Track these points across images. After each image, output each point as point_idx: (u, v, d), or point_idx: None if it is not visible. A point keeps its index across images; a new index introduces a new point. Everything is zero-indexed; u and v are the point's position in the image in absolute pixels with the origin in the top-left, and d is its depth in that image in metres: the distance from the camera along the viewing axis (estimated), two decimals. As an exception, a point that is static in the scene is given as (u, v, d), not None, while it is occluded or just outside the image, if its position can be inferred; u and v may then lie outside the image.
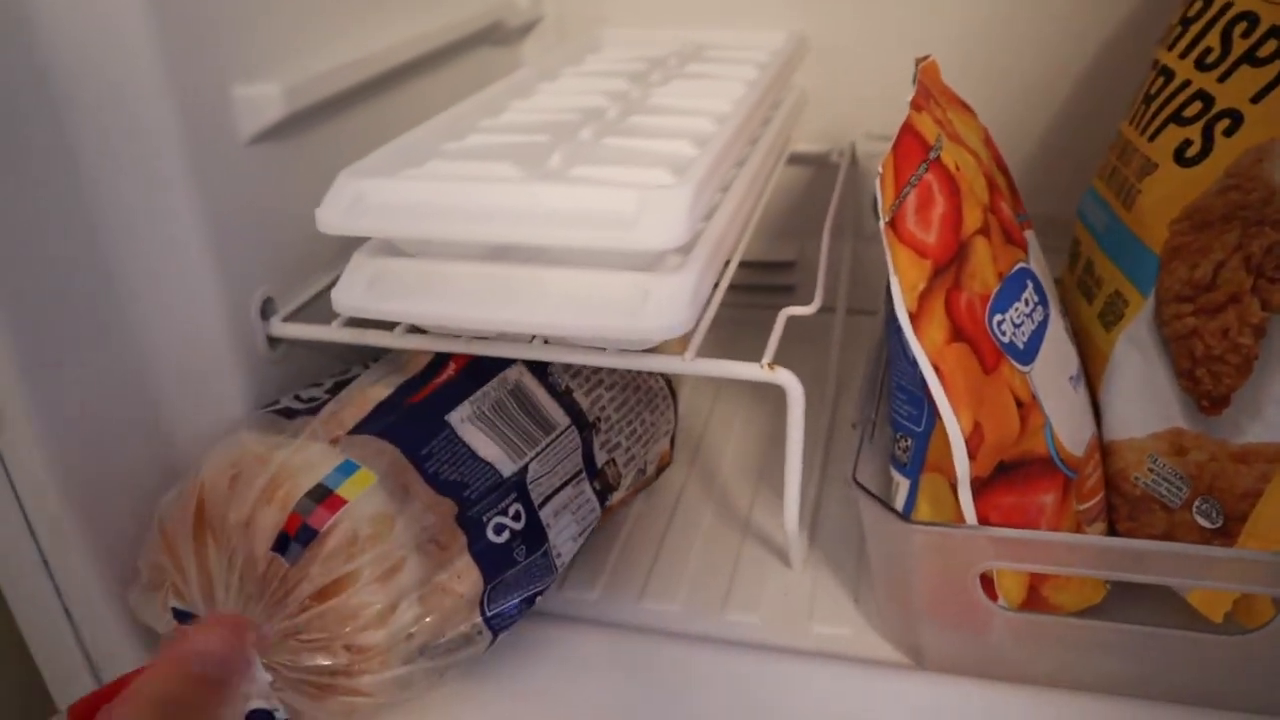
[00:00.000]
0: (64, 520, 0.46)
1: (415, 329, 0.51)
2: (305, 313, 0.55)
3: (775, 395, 0.72)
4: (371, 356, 0.55)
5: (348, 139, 0.57)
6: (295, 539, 0.40)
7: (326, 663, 0.40)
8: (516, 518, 0.46)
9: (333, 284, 0.53)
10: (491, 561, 0.45)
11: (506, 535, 0.45)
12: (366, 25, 0.59)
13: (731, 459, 0.67)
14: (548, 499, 0.48)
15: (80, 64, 0.44)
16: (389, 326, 0.51)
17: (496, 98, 0.59)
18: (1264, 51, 0.50)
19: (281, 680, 0.40)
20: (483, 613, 0.44)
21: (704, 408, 0.73)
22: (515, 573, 0.45)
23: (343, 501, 0.41)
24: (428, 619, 0.42)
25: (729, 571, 0.57)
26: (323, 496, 0.41)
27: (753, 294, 0.78)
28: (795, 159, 0.75)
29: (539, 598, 0.47)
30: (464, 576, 0.43)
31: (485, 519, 0.45)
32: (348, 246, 0.53)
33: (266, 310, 0.53)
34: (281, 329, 0.53)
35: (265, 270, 0.53)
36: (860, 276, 0.75)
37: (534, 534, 0.47)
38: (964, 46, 0.71)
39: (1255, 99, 0.49)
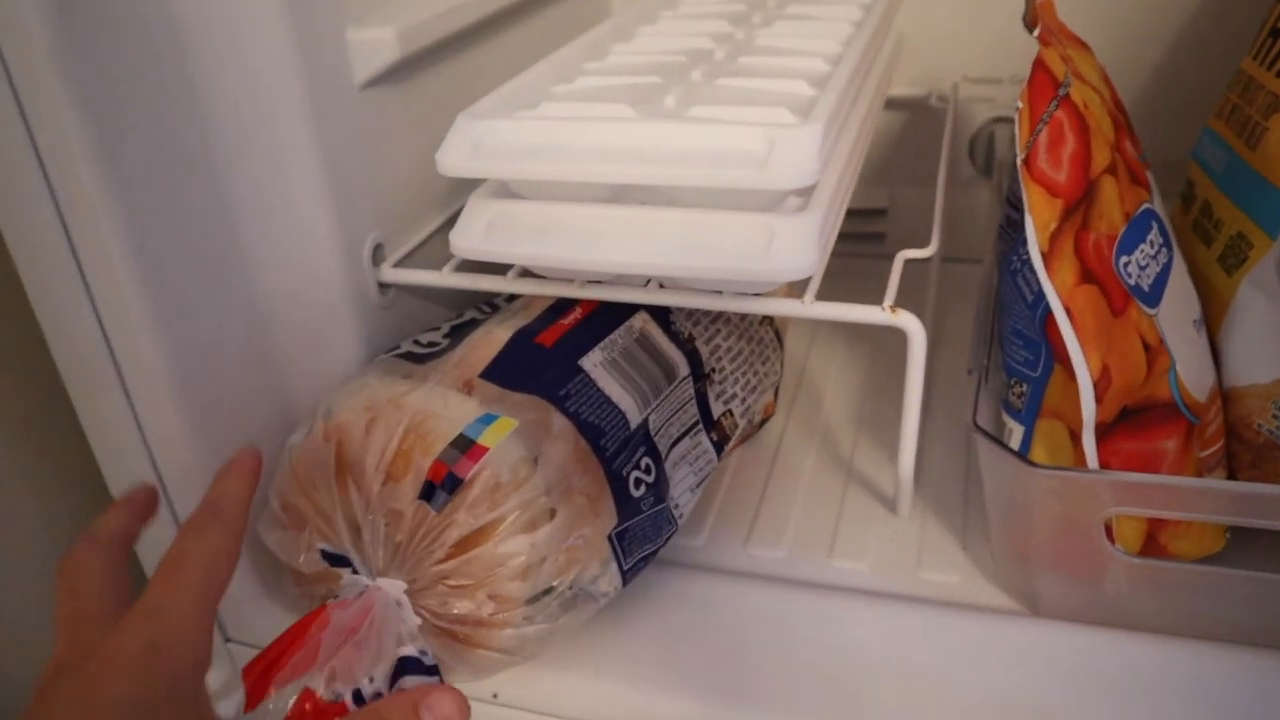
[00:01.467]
0: (193, 469, 0.47)
1: (527, 273, 0.51)
2: (413, 259, 0.55)
3: (872, 341, 0.72)
4: (479, 302, 0.56)
5: (454, 85, 0.57)
6: (441, 487, 0.40)
7: (471, 610, 0.40)
8: (647, 470, 0.46)
9: (440, 230, 0.54)
10: (628, 514, 0.45)
11: (643, 489, 0.46)
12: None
13: (830, 406, 0.67)
14: (670, 449, 0.48)
15: (202, 8, 0.44)
16: (500, 271, 0.51)
17: (598, 41, 0.58)
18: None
19: (427, 626, 0.41)
20: (619, 566, 0.44)
21: (800, 354, 0.72)
22: (645, 526, 0.46)
23: (484, 450, 0.41)
24: (568, 572, 0.42)
25: (833, 518, 0.57)
26: (466, 445, 0.41)
27: (845, 241, 0.77)
28: (891, 103, 0.73)
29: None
30: (603, 528, 0.43)
31: (625, 472, 0.45)
32: (454, 193, 0.53)
33: (377, 256, 0.53)
34: (393, 274, 0.53)
35: (376, 216, 0.53)
36: (954, 223, 0.74)
37: (661, 486, 0.48)
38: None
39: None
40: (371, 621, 0.39)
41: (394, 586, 0.41)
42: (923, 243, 0.53)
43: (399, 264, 0.54)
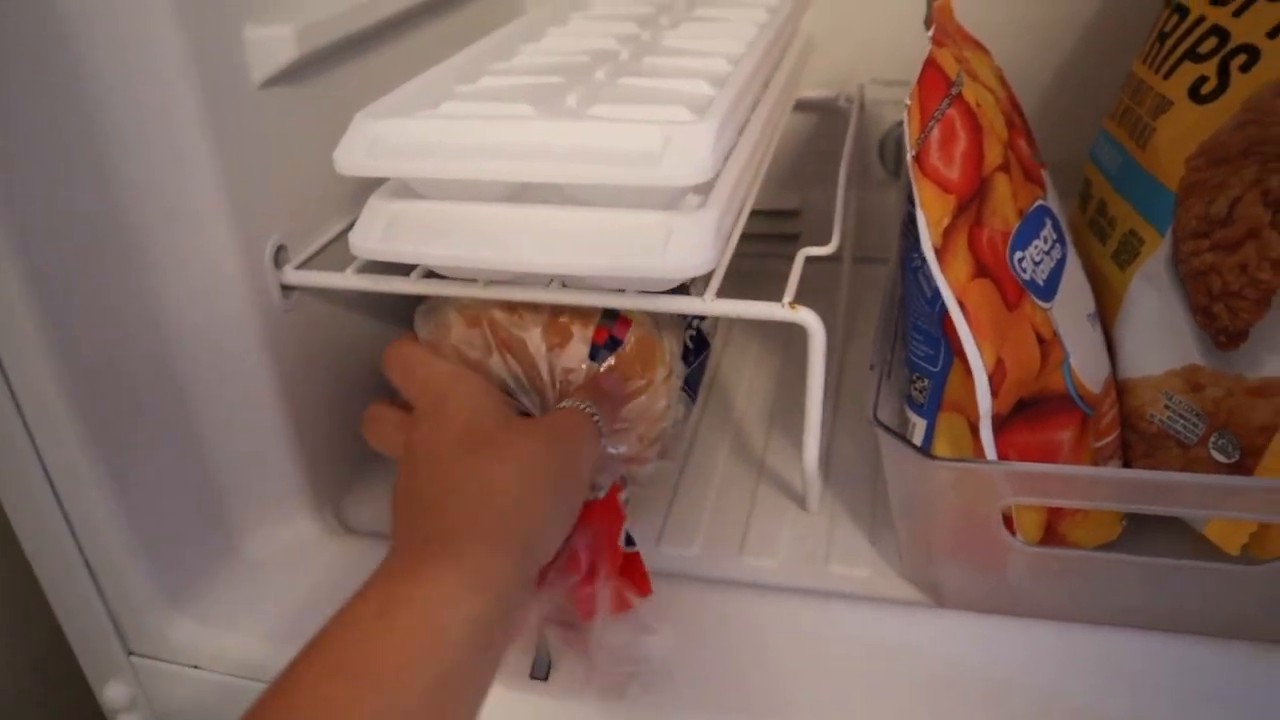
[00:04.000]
0: (81, 467, 0.46)
1: (431, 274, 0.51)
2: (317, 261, 0.55)
3: (782, 340, 0.73)
4: (384, 304, 0.55)
5: (358, 84, 0.56)
6: (604, 347, 0.49)
7: (629, 449, 0.50)
8: (693, 338, 0.56)
9: (344, 232, 0.53)
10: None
11: (688, 352, 0.55)
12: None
13: (742, 405, 0.67)
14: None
15: (93, 4, 0.43)
16: (404, 272, 0.51)
17: (506, 41, 0.58)
18: (1279, -14, 0.49)
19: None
20: (689, 404, 0.55)
21: (713, 354, 0.73)
22: (694, 375, 0.56)
23: (629, 320, 0.50)
24: (676, 413, 0.53)
25: (745, 515, 0.57)
26: (615, 316, 0.50)
27: (757, 242, 0.78)
28: (801, 105, 0.74)
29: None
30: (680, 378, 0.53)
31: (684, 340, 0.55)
32: (358, 194, 0.53)
33: (280, 258, 0.52)
34: (296, 276, 0.52)
35: (278, 218, 0.52)
36: (866, 224, 0.75)
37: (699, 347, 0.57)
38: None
39: (1272, 34, 0.49)
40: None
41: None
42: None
43: (302, 266, 0.53)
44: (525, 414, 0.50)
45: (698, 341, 0.57)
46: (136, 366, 0.49)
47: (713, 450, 0.63)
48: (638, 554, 0.47)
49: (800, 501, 0.57)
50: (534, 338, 0.50)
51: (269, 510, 0.56)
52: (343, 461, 0.60)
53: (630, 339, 0.50)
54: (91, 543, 0.49)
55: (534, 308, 0.50)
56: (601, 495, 0.46)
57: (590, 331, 0.50)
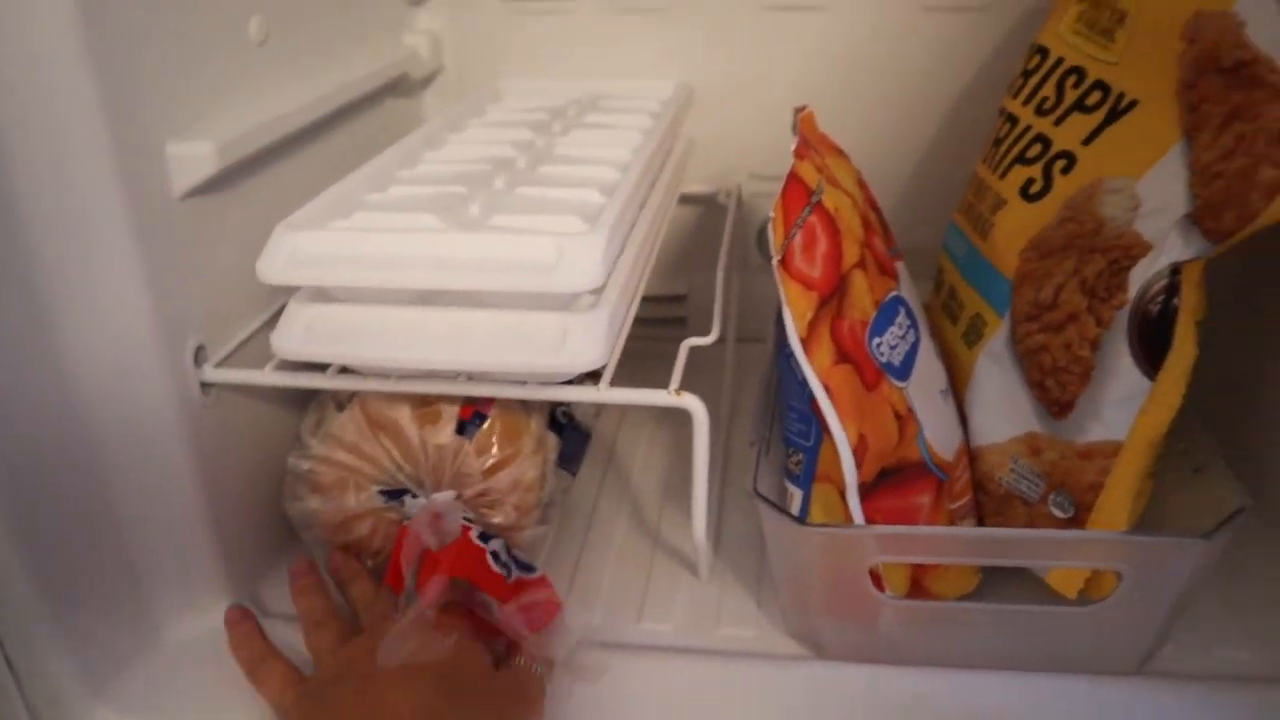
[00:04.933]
0: (15, 574, 0.48)
1: (345, 369, 0.54)
2: (236, 358, 0.58)
3: (675, 420, 0.78)
4: (299, 395, 0.58)
5: (274, 190, 0.60)
6: (470, 423, 0.55)
7: (502, 520, 0.56)
8: (563, 414, 0.62)
9: (262, 329, 0.57)
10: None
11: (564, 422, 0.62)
12: (288, 83, 0.63)
13: (638, 479, 0.72)
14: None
15: (23, 122, 0.46)
16: (320, 368, 0.55)
17: (410, 150, 0.63)
18: (1091, 100, 0.57)
19: None
20: (568, 474, 0.62)
21: (609, 433, 0.77)
22: (571, 447, 0.62)
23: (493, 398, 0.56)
24: (553, 484, 0.58)
25: (643, 583, 0.62)
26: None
27: (647, 326, 0.84)
28: (685, 200, 0.80)
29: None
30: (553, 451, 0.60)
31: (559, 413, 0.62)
32: (276, 292, 0.57)
33: (199, 357, 0.56)
34: (215, 374, 0.56)
35: (198, 318, 0.56)
36: (747, 307, 0.81)
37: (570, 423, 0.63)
38: (837, 96, 0.78)
39: (1085, 141, 0.56)
40: (442, 514, 0.54)
41: (447, 496, 0.56)
42: (722, 327, 0.59)
43: (221, 364, 0.56)
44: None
45: (568, 418, 0.63)
46: (57, 460, 0.51)
47: (611, 523, 0.67)
48: (541, 577, 0.55)
49: (693, 569, 0.62)
50: (405, 417, 0.56)
51: (189, 598, 0.59)
52: (260, 546, 0.63)
53: (494, 414, 0.57)
54: (8, 633, 0.51)
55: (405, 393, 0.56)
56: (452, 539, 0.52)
57: (456, 409, 0.56)
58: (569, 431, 0.62)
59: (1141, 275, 0.52)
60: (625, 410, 0.80)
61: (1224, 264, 0.52)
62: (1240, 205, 0.49)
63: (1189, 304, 0.51)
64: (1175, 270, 0.51)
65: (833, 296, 0.51)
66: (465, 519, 0.54)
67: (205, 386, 0.56)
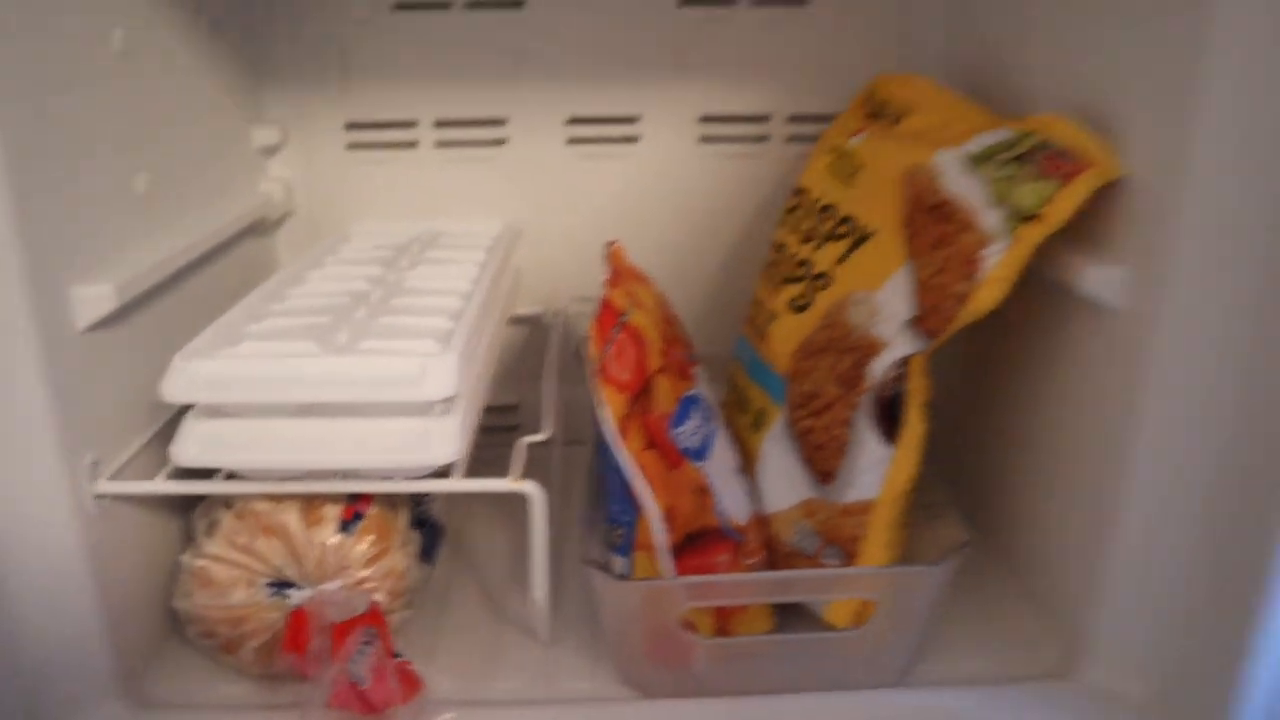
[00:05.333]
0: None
1: (231, 475, 0.63)
2: (128, 469, 0.66)
3: (513, 509, 0.88)
4: (189, 499, 0.67)
5: (160, 321, 0.69)
6: (351, 521, 0.64)
7: (384, 605, 0.64)
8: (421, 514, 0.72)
9: (152, 441, 0.65)
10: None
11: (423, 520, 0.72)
12: (169, 227, 0.72)
13: (484, 558, 0.82)
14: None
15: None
16: (209, 475, 0.63)
17: (280, 286, 0.73)
18: (841, 230, 0.73)
19: None
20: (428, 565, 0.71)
21: (459, 526, 0.87)
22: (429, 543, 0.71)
23: (370, 497, 0.66)
24: (417, 573, 0.68)
25: (493, 651, 0.71)
26: (356, 495, 0.65)
27: (486, 434, 0.94)
28: (515, 320, 0.93)
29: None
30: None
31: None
32: (161, 410, 0.65)
33: (95, 471, 0.63)
34: (109, 486, 0.63)
35: (94, 436, 0.63)
36: (572, 412, 0.93)
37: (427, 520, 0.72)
38: (643, 227, 0.93)
39: (838, 263, 0.72)
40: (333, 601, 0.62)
41: (334, 585, 0.63)
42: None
43: (114, 476, 0.64)
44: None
45: (427, 516, 0.73)
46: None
47: (462, 603, 0.77)
48: (404, 661, 0.63)
49: (535, 635, 0.72)
50: (293, 520, 0.64)
51: (80, 696, 0.64)
52: (148, 641, 0.69)
53: (370, 514, 0.66)
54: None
55: (290, 495, 0.64)
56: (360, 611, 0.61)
57: (340, 510, 0.65)
58: (428, 528, 0.72)
59: (880, 368, 0.67)
60: (471, 504, 0.90)
61: (948, 353, 0.67)
62: (945, 311, 0.65)
63: (916, 388, 0.66)
64: (904, 363, 0.66)
65: (640, 396, 0.64)
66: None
67: (99, 497, 0.64)
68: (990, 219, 0.63)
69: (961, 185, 0.65)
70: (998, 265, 0.62)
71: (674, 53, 0.90)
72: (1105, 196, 0.62)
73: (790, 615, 0.69)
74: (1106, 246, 0.63)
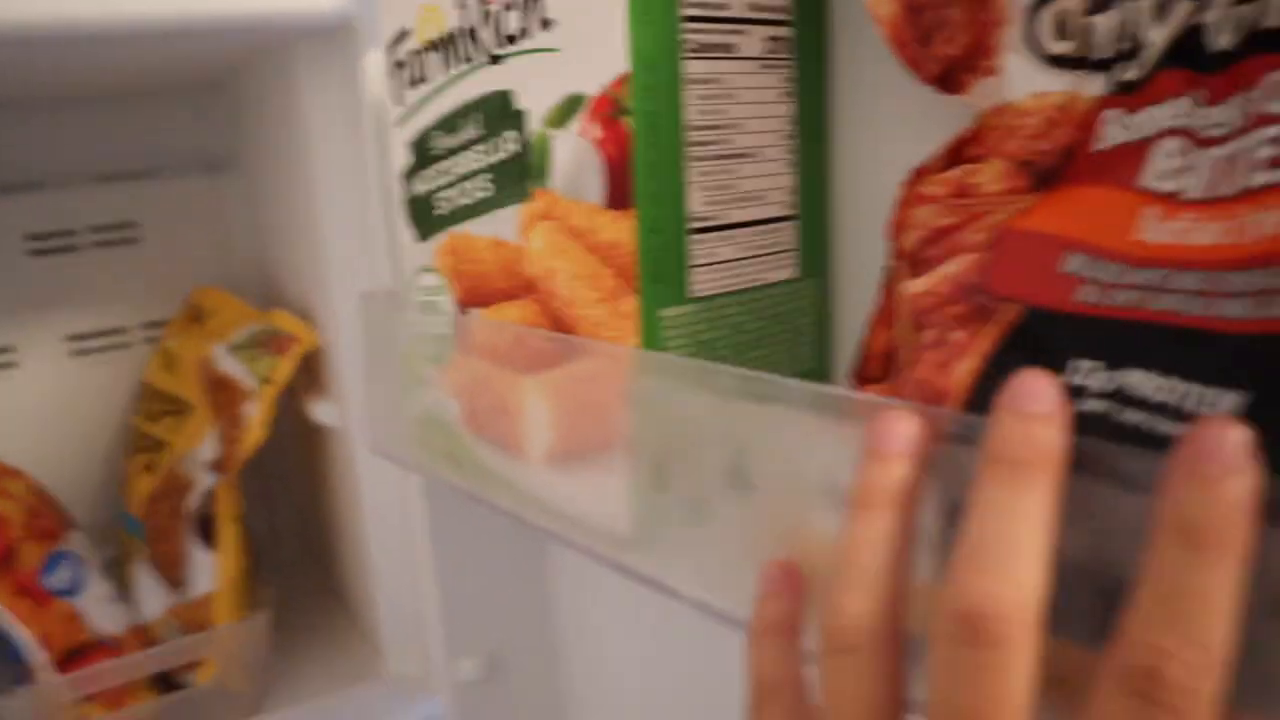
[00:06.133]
0: None
1: None
2: None
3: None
4: None
5: None
6: None
7: None
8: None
9: None
10: None
11: None
12: None
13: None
14: None
15: None
16: None
17: None
18: (170, 409, 1.02)
19: None
20: None
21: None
22: None
23: None
24: None
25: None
26: None
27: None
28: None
29: None
30: None
31: None
32: None
33: None
34: None
35: None
36: None
37: None
38: (28, 441, 1.15)
39: (171, 432, 1.00)
40: None
41: None
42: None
43: None
44: None
45: None
46: None
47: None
48: None
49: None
50: None
51: None
52: None
53: None
54: None
55: None
56: None
57: None
58: None
59: (194, 499, 0.96)
60: None
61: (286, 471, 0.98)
62: (231, 453, 0.95)
63: (224, 507, 0.96)
64: (210, 492, 0.96)
65: (8, 559, 0.88)
66: None
67: None
68: (248, 385, 0.95)
69: (229, 365, 0.97)
70: (255, 417, 0.94)
71: (34, 292, 1.15)
72: (316, 358, 0.97)
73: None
74: (326, 389, 0.98)
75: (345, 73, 0.82)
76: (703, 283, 0.44)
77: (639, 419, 0.41)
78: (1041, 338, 0.31)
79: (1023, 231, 0.34)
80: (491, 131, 0.49)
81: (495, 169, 0.49)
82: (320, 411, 0.97)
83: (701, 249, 0.44)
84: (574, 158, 0.43)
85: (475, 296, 0.52)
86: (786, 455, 0.33)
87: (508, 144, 0.47)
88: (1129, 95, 0.35)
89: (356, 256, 0.88)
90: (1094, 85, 0.36)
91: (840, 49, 0.47)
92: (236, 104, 1.14)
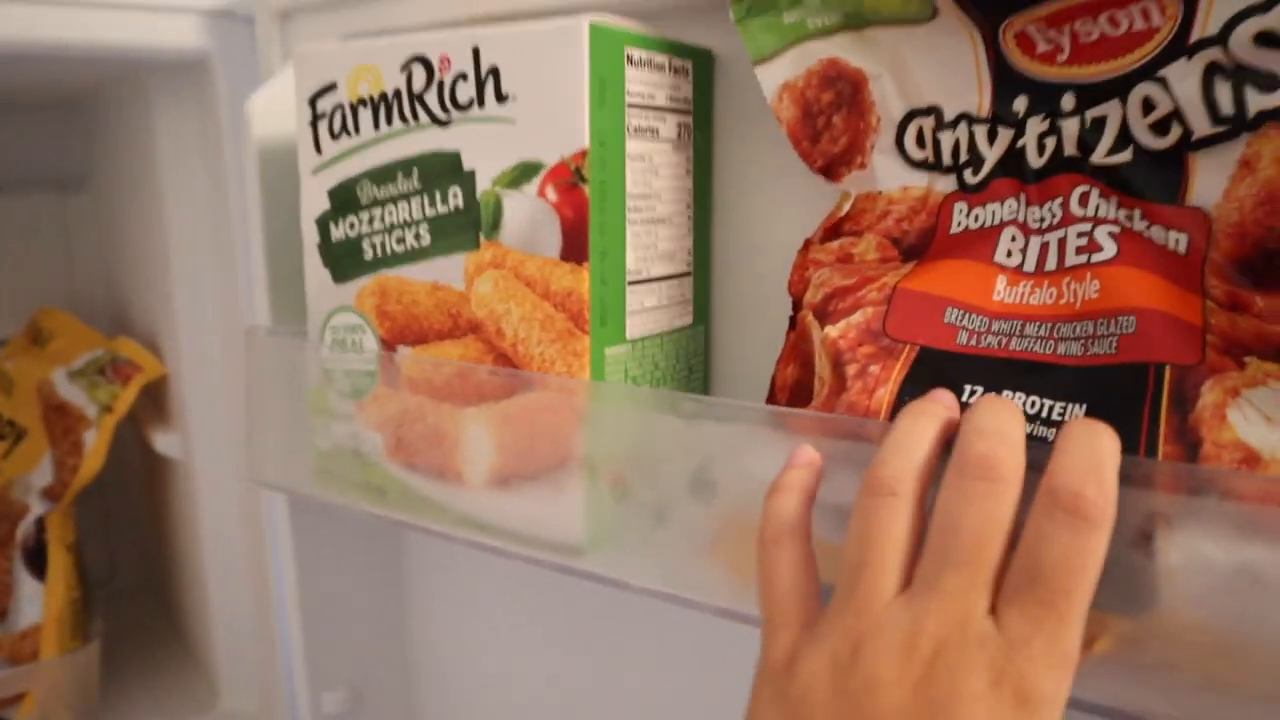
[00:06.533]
0: None
1: None
2: None
3: None
4: None
5: None
6: None
7: None
8: None
9: None
10: None
11: None
12: None
13: None
14: None
15: None
16: None
17: None
18: (4, 432, 0.98)
19: None
20: None
21: None
22: None
23: None
24: None
25: None
26: None
27: None
28: None
29: None
30: None
31: None
32: None
33: None
34: None
35: None
36: None
37: None
38: None
39: (3, 457, 0.97)
40: None
41: None
42: None
43: None
44: None
45: None
46: None
47: None
48: None
49: None
50: None
51: None
52: None
53: None
54: None
55: None
56: None
57: None
58: None
59: (24, 527, 0.93)
60: None
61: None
62: (64, 480, 0.94)
63: (55, 535, 0.94)
64: (41, 520, 0.94)
65: None
66: None
67: None
68: (89, 412, 0.94)
69: (69, 391, 0.96)
70: (93, 445, 0.94)
71: None
72: (160, 387, 0.97)
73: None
74: (170, 419, 0.98)
75: (202, 108, 0.84)
76: (634, 327, 0.53)
77: (603, 440, 0.49)
78: (936, 370, 0.41)
79: (910, 291, 0.45)
80: (430, 186, 0.55)
81: (435, 220, 0.55)
82: (163, 442, 0.97)
83: (634, 298, 0.52)
84: (530, 217, 0.50)
85: (406, 335, 0.57)
86: (747, 464, 0.41)
87: (453, 199, 0.54)
88: (972, 194, 0.47)
89: (208, 289, 0.90)
90: (946, 184, 0.48)
91: (719, 139, 0.58)
92: (91, 125, 1.12)
